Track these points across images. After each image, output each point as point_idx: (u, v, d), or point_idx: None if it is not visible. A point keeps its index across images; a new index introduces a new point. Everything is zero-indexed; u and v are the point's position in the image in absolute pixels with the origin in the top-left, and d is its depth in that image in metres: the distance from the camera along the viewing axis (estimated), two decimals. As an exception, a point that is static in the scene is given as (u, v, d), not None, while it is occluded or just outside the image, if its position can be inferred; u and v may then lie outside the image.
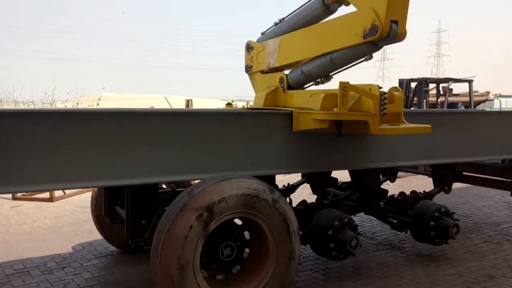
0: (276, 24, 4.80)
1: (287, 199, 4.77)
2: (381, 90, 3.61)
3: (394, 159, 4.37)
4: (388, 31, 3.49)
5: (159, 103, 22.39)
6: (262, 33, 5.03)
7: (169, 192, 4.26)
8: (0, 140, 2.81)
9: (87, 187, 3.40)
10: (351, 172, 4.63)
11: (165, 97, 21.93)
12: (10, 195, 7.73)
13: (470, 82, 13.60)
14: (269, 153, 3.76)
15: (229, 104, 4.92)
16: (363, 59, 3.84)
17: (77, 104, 19.37)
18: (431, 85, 14.02)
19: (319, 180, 4.98)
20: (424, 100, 13.29)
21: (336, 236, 3.80)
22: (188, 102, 14.26)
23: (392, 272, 4.35)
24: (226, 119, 3.64)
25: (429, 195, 4.90)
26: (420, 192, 4.90)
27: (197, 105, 15.34)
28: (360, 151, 4.18)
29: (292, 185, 5.11)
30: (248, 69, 5.08)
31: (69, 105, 19.90)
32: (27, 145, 2.88)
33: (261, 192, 3.20)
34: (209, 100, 38.56)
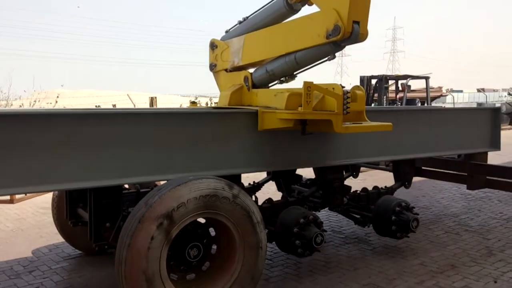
0: (240, 22, 4.80)
1: (253, 197, 4.81)
2: (344, 89, 3.69)
3: (356, 156, 4.48)
4: (350, 31, 3.56)
5: (121, 100, 21.92)
6: (226, 31, 5.02)
7: (133, 193, 4.20)
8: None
9: (49, 190, 3.30)
10: (315, 170, 4.71)
11: (127, 95, 21.51)
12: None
13: (427, 78, 14.06)
14: (234, 152, 3.77)
15: (193, 102, 4.89)
16: (326, 58, 3.92)
17: (34, 101, 18.72)
18: (391, 82, 14.41)
19: (284, 178, 5.04)
20: (384, 97, 13.66)
21: (301, 233, 3.85)
22: (152, 100, 14.05)
23: (361, 264, 4.48)
24: (190, 119, 3.62)
25: (390, 190, 5.04)
26: (382, 188, 5.03)
27: (161, 102, 15.13)
28: (323, 149, 4.25)
29: (258, 183, 5.14)
30: (212, 67, 5.06)
31: (26, 103, 19.25)
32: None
33: (220, 190, 3.18)
34: (172, 96, 38.03)
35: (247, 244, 3.35)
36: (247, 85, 4.56)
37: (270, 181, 5.33)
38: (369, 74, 13.89)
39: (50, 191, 4.03)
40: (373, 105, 13.52)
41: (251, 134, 3.84)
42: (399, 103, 14.20)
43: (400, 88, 14.69)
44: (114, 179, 3.19)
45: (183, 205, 3.01)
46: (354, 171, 5.66)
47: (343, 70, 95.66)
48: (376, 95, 13.79)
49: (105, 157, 3.15)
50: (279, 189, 5.20)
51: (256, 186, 5.10)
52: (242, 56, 4.62)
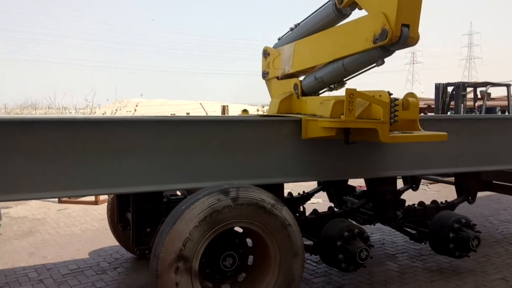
0: (291, 29, 4.73)
1: (301, 207, 4.68)
2: (391, 96, 3.49)
3: (410, 168, 4.22)
4: (398, 35, 3.36)
5: (194, 109, 22.65)
6: (279, 39, 4.97)
7: (181, 199, 4.25)
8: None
9: (92, 194, 3.41)
10: (366, 181, 4.49)
11: (200, 103, 22.16)
12: (56, 199, 7.98)
13: (508, 86, 13.06)
14: (277, 161, 3.70)
15: (245, 110, 4.87)
16: (375, 64, 3.73)
17: (116, 110, 19.96)
18: (469, 89, 13.54)
19: (335, 188, 4.86)
20: (462, 105, 12.86)
21: (345, 247, 3.68)
22: (224, 108, 14.36)
23: (438, 277, 4.34)
24: (233, 126, 3.60)
25: (451, 205, 4.69)
26: (441, 202, 4.69)
27: (232, 110, 15.39)
28: (373, 159, 4.05)
29: (307, 193, 5.00)
30: (264, 75, 5.03)
31: (108, 111, 20.53)
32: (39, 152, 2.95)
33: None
34: (242, 105, 38.40)
35: (282, 253, 3.26)
36: (296, 93, 4.46)
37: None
38: (444, 82, 13.15)
39: (93, 195, 4.21)
40: (449, 113, 12.77)
41: (295, 143, 3.75)
42: (478, 112, 13.30)
43: (479, 96, 13.74)
44: (150, 185, 3.24)
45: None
46: (414, 183, 5.34)
47: (415, 78, 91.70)
48: (452, 103, 13.02)
49: (143, 164, 3.21)
50: (330, 200, 5.02)
51: (305, 196, 4.96)
52: (292, 63, 4.54)
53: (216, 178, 3.41)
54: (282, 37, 4.90)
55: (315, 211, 4.17)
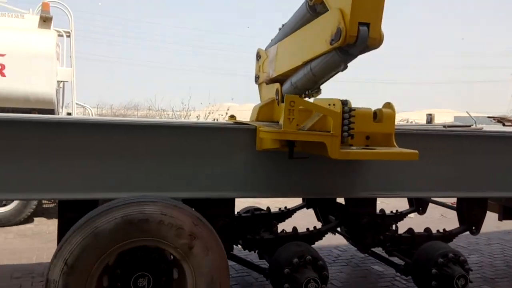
0: (279, 29, 4.37)
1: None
2: (345, 107, 3.01)
3: (397, 189, 3.66)
4: (355, 35, 2.90)
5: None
6: (272, 40, 4.63)
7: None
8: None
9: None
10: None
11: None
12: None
13: None
14: (228, 173, 3.37)
15: (232, 116, 4.58)
16: (339, 69, 3.28)
17: (208, 113, 20.81)
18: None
19: (320, 206, 4.40)
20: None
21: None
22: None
23: None
24: (179, 133, 3.33)
25: (447, 235, 4.02)
26: (438, 230, 4.05)
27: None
28: (347, 176, 3.57)
29: (289, 209, 4.58)
30: (256, 79, 4.71)
31: (202, 114, 21.36)
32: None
33: None
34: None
35: None
36: (277, 99, 4.10)
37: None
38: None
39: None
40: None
41: (249, 154, 3.39)
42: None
43: None
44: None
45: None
46: (419, 205, 4.70)
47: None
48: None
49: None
50: (317, 218, 4.56)
51: (286, 213, 4.54)
52: (275, 67, 4.18)
53: (140, 188, 3.16)
54: (273, 38, 4.57)
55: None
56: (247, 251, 4.09)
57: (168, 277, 3.06)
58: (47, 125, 3.05)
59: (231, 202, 3.61)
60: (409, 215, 4.80)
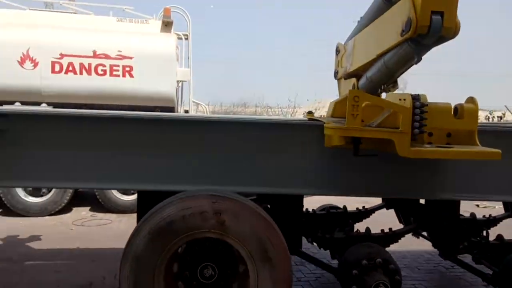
0: (358, 22, 4.21)
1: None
2: (417, 102, 2.81)
3: (478, 192, 3.35)
4: (427, 25, 2.70)
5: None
6: (353, 33, 4.48)
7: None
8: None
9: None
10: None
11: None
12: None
13: None
14: (296, 170, 3.34)
15: (310, 112, 4.51)
16: (413, 62, 3.07)
17: (314, 110, 21.20)
18: None
19: (400, 207, 4.17)
20: None
21: None
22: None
23: None
24: (249, 129, 3.37)
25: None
26: (533, 239, 3.62)
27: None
28: (423, 176, 3.35)
29: (367, 209, 4.39)
30: (335, 74, 4.59)
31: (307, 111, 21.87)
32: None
33: None
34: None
35: None
36: (353, 94, 3.96)
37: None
38: None
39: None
40: None
41: (317, 151, 3.32)
42: None
43: None
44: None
45: None
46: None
47: None
48: None
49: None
50: (399, 219, 4.33)
51: (364, 212, 4.36)
52: (352, 61, 4.04)
53: (210, 182, 3.24)
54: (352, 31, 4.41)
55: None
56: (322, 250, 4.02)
57: (233, 270, 3.13)
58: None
59: (299, 199, 3.57)
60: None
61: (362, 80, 3.81)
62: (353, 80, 4.03)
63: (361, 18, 4.15)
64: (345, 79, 4.30)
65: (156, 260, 2.91)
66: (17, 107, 4.33)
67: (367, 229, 3.73)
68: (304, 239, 3.77)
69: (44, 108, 4.69)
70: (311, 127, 3.37)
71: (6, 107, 3.41)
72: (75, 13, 8.59)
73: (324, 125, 3.10)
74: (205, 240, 3.03)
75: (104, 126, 3.21)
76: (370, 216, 4.40)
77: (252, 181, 3.33)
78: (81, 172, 3.20)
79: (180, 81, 8.60)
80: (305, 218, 4.00)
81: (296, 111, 22.15)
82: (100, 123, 3.22)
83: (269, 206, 3.64)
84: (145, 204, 3.29)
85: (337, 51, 4.50)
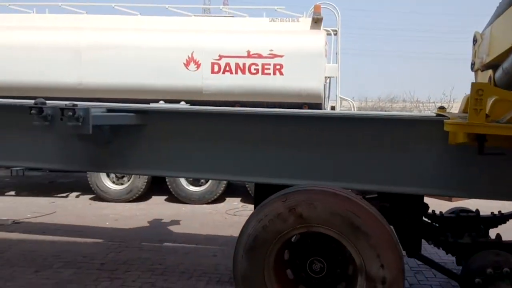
0: (497, 8, 3.81)
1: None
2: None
3: None
4: None
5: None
6: (494, 19, 4.07)
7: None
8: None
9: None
10: None
11: None
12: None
13: None
14: (416, 168, 3.24)
15: (442, 108, 4.26)
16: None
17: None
18: None
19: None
20: None
21: None
22: None
23: None
24: (369, 125, 3.39)
25: None
26: None
27: None
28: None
29: (503, 214, 3.91)
30: (472, 66, 4.23)
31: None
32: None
33: None
34: None
35: None
36: (489, 88, 3.62)
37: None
38: None
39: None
40: None
41: (439, 148, 3.17)
42: None
43: None
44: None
45: None
46: None
47: None
48: None
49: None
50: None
51: (500, 218, 3.89)
52: (488, 51, 3.70)
53: (321, 178, 3.34)
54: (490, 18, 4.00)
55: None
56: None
57: (343, 270, 3.20)
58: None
59: (420, 199, 3.44)
60: None
61: (498, 72, 3.47)
62: (490, 72, 3.69)
63: (499, 3, 3.75)
64: (481, 70, 3.96)
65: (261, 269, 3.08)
66: (155, 105, 4.98)
67: (498, 235, 3.39)
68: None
69: (177, 105, 5.23)
70: (435, 123, 3.21)
71: (144, 105, 3.98)
72: (232, 16, 9.32)
73: (444, 120, 2.93)
74: (317, 235, 3.11)
75: (234, 121, 3.55)
76: (507, 222, 3.93)
77: (369, 178, 3.34)
78: (209, 165, 3.60)
79: (328, 77, 8.70)
80: (431, 220, 3.81)
81: (451, 106, 20.20)
82: (228, 119, 3.58)
83: (387, 205, 3.57)
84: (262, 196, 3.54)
85: (474, 41, 4.14)
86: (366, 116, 3.56)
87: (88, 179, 8.37)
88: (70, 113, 3.09)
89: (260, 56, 8.24)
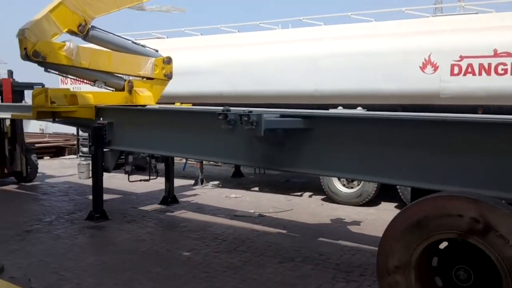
0: None
1: None
2: None
3: None
4: None
5: None
6: None
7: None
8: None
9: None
10: None
11: None
12: None
13: None
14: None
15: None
16: None
17: None
18: None
19: None
20: None
21: None
22: None
23: None
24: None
25: None
26: None
27: None
28: None
29: None
30: None
31: None
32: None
33: None
34: None
35: None
36: None
37: None
38: None
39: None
40: None
41: None
42: None
43: None
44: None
45: None
46: None
47: None
48: None
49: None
50: None
51: None
52: None
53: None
54: None
55: None
56: None
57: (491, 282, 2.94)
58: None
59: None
60: None
61: None
62: None
63: None
64: None
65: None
66: (320, 111, 5.16)
67: None
68: None
69: (337, 111, 5.39)
70: None
71: (311, 111, 4.50)
72: (476, 13, 8.50)
73: None
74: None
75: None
76: None
77: None
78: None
79: None
80: None
81: None
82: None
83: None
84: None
85: None
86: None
87: (321, 180, 8.77)
88: (246, 118, 3.62)
89: (509, 54, 7.37)
